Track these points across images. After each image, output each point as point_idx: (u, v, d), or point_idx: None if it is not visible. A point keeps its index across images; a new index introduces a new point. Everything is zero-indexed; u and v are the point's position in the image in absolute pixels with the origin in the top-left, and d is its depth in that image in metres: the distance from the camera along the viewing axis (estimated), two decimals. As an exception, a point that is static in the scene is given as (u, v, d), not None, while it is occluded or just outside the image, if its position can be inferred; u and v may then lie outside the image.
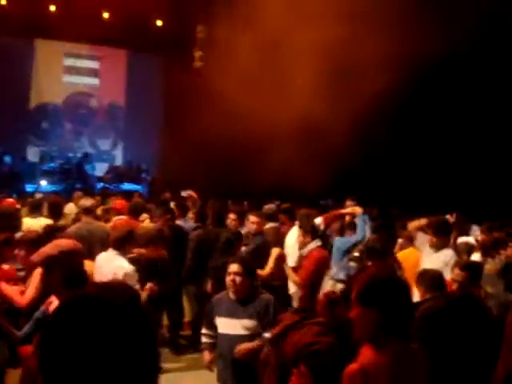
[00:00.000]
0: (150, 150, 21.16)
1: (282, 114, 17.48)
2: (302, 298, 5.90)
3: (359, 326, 2.58)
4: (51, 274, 4.55)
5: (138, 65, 22.42)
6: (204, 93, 20.73)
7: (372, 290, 2.60)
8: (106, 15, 19.69)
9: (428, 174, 12.94)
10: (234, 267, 4.43)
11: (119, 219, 7.63)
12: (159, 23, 20.43)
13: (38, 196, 11.69)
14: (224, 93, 19.97)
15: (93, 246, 6.27)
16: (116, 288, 1.55)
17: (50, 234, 6.02)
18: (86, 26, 19.27)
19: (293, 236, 6.96)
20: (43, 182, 17.87)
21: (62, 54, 21.50)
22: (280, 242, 7.10)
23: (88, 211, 6.93)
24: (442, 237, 5.93)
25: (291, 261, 6.74)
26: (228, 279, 4.44)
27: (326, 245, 6.92)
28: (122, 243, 5.50)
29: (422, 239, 6.26)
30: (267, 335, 4.23)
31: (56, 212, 7.16)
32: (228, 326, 4.42)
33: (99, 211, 8.35)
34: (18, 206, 8.82)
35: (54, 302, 4.17)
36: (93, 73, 22.06)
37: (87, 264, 5.32)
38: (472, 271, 4.61)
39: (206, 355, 4.73)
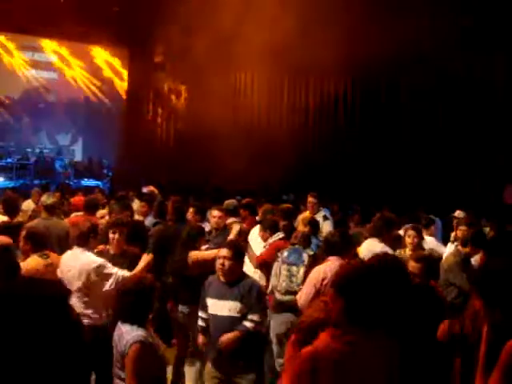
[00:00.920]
0: (111, 146, 20.94)
1: (241, 111, 17.57)
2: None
3: (332, 311, 2.71)
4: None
5: (98, 59, 22.17)
6: (165, 89, 20.67)
7: (343, 279, 2.71)
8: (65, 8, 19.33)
9: (388, 170, 13.12)
10: (223, 251, 4.68)
11: (76, 216, 7.53)
12: (120, 16, 20.19)
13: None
14: (185, 89, 19.98)
15: (50, 242, 6.17)
16: (41, 285, 1.57)
17: (4, 230, 5.92)
18: (45, 19, 18.98)
19: (256, 231, 7.01)
20: (0, 179, 17.51)
21: (20, 48, 21.10)
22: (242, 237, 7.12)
23: (50, 208, 6.82)
24: None
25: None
26: (218, 263, 4.68)
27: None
28: (86, 239, 5.44)
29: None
30: (248, 324, 4.51)
31: (11, 209, 7.00)
32: (216, 307, 4.66)
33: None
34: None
35: None
36: (51, 67, 21.71)
37: (54, 256, 5.26)
38: (427, 263, 4.63)
39: (200, 338, 4.96)
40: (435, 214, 9.60)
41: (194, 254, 6.08)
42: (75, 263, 5.26)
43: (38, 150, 19.97)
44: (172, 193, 11.58)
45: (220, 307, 4.62)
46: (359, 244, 6.27)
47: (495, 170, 11.37)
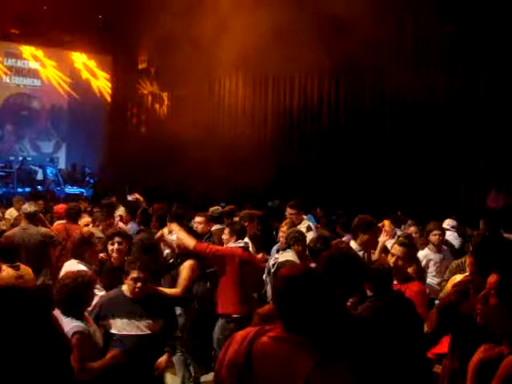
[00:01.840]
0: (94, 153, 20.85)
1: (224, 117, 17.59)
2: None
3: None
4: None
5: (81, 66, 22.10)
6: (148, 96, 20.67)
7: (276, 283, 2.70)
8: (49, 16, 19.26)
9: (372, 175, 13.17)
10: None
11: (58, 224, 7.49)
12: (103, 24, 20.17)
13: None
14: (167, 96, 19.97)
15: (24, 252, 6.14)
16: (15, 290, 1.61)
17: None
18: (28, 26, 18.91)
19: None
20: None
21: (3, 55, 20.96)
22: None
23: (31, 216, 6.76)
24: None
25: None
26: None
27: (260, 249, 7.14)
28: (79, 250, 5.31)
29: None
30: None
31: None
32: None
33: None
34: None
35: None
36: (34, 74, 21.58)
37: (24, 268, 5.22)
38: (409, 247, 5.14)
39: None
40: (418, 220, 9.68)
41: None
42: None
43: (20, 158, 19.80)
44: (156, 200, 11.57)
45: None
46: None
47: (479, 176, 11.45)
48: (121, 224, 8.05)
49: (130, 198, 11.89)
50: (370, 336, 3.52)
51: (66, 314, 3.91)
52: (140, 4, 16.43)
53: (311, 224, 7.91)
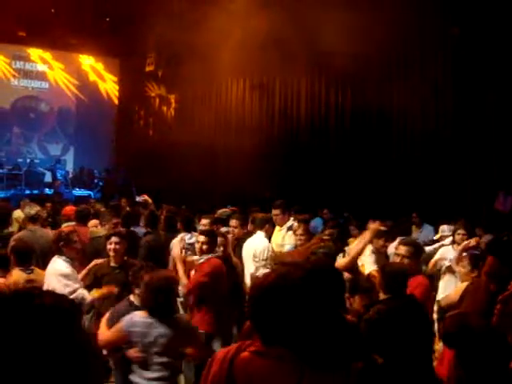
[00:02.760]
0: (102, 155, 20.91)
1: (232, 118, 17.60)
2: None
3: None
4: None
5: (89, 68, 22.19)
6: (156, 98, 20.71)
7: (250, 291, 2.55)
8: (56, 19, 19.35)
9: (380, 178, 13.13)
10: None
11: (67, 226, 7.49)
12: (110, 27, 20.21)
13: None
14: (174, 98, 20.00)
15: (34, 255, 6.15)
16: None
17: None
18: (36, 29, 18.98)
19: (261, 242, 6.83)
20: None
21: (11, 57, 21.06)
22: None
23: (34, 219, 6.77)
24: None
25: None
26: None
27: None
28: (56, 247, 5.45)
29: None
30: None
31: (2, 220, 6.94)
32: None
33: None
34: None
35: None
36: (42, 76, 21.67)
37: (38, 272, 5.23)
38: (415, 247, 5.26)
39: None
40: (427, 222, 9.67)
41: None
42: (48, 271, 5.26)
43: (28, 160, 19.88)
44: (163, 201, 11.59)
45: None
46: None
47: (487, 179, 11.39)
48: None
49: (138, 199, 11.89)
50: (375, 341, 3.50)
51: None
52: (147, 7, 16.47)
53: (295, 223, 7.51)
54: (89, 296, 5.19)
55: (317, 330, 2.24)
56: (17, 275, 4.96)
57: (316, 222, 9.40)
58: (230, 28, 13.45)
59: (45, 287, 5.02)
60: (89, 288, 5.40)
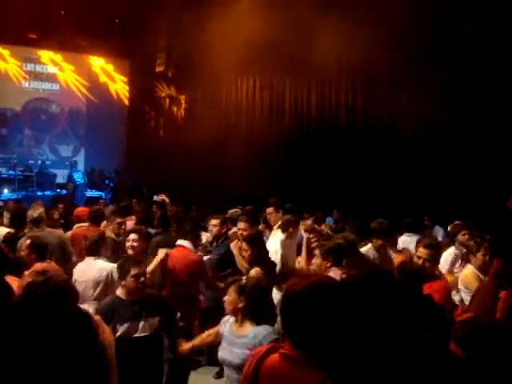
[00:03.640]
0: (112, 156, 20.99)
1: (242, 119, 17.61)
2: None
3: None
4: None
5: (99, 70, 22.29)
6: (166, 99, 20.75)
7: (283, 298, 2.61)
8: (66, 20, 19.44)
9: (389, 177, 13.10)
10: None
11: (79, 227, 7.54)
12: (120, 28, 20.28)
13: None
14: (185, 98, 20.04)
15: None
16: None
17: (10, 242, 5.95)
18: (46, 31, 19.08)
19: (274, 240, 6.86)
20: (5, 191, 17.46)
21: (22, 59, 21.18)
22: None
23: (36, 221, 6.81)
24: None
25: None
26: None
27: None
28: (97, 248, 5.49)
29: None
30: None
31: (18, 221, 6.97)
32: None
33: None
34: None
35: None
36: (53, 78, 21.78)
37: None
38: (434, 249, 5.29)
39: None
40: (437, 223, 9.64)
41: None
42: (90, 272, 5.31)
43: (39, 162, 20.00)
44: (174, 202, 11.62)
45: None
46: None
47: (499, 178, 11.30)
48: (129, 222, 8.07)
49: (156, 198, 11.90)
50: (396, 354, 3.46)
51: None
52: (157, 7, 16.53)
53: None
54: None
55: (343, 339, 2.31)
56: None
57: (328, 222, 9.43)
58: (239, 28, 13.46)
59: (98, 290, 5.27)
60: None
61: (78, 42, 20.17)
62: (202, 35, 14.50)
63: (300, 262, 6.76)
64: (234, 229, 7.42)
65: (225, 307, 4.02)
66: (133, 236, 5.84)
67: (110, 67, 22.45)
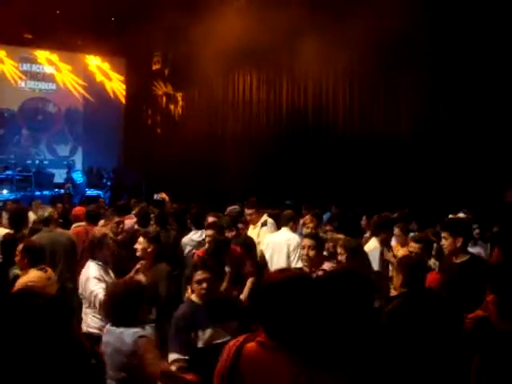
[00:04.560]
0: (110, 155, 20.97)
1: (239, 116, 17.60)
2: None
3: None
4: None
5: (95, 69, 22.27)
6: (163, 97, 20.75)
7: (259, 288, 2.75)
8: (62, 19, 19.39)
9: (387, 170, 13.09)
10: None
11: (77, 226, 7.54)
12: (116, 27, 20.25)
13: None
14: (182, 96, 20.03)
15: (56, 253, 6.20)
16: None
17: (9, 242, 5.94)
18: (41, 30, 19.05)
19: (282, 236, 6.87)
20: (4, 191, 17.43)
21: (18, 60, 21.15)
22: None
23: (47, 221, 6.78)
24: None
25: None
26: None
27: None
28: (93, 250, 5.44)
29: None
30: None
31: (18, 221, 6.93)
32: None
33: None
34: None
35: None
36: (50, 78, 21.75)
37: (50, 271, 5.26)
38: (425, 243, 5.41)
39: None
40: (436, 216, 9.63)
41: None
42: (83, 274, 5.32)
43: (37, 162, 19.99)
44: (172, 200, 11.62)
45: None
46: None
47: (497, 171, 11.28)
48: (127, 221, 8.05)
49: (156, 197, 11.91)
50: (395, 334, 3.47)
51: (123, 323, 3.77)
52: (152, 5, 16.50)
53: (269, 219, 7.58)
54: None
55: (317, 332, 2.33)
56: (36, 274, 4.91)
57: (326, 217, 9.42)
58: (235, 25, 13.45)
59: (80, 290, 5.28)
60: None
61: (74, 42, 20.14)
62: (198, 33, 14.49)
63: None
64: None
65: None
66: (141, 239, 5.76)
67: (106, 66, 22.43)
